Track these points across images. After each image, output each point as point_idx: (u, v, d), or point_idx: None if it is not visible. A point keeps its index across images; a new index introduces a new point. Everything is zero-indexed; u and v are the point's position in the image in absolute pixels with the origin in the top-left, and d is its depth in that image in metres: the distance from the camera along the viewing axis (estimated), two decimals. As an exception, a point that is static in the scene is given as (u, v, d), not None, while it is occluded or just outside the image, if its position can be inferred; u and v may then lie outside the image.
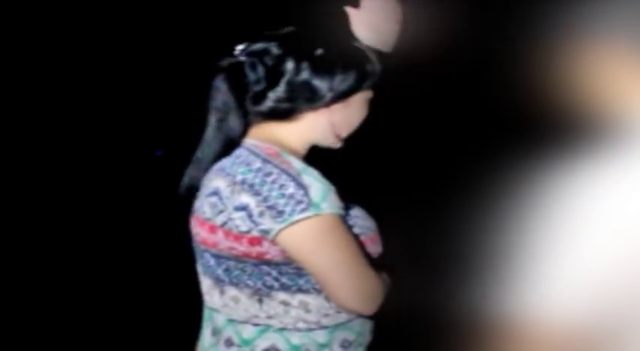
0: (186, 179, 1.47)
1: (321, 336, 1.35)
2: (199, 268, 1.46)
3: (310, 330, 1.35)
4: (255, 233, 1.29)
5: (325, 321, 1.35)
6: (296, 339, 1.34)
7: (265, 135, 1.38)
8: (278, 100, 1.36)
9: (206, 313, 1.47)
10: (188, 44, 6.03)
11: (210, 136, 1.43)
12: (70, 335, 3.55)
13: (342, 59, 1.38)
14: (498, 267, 0.87)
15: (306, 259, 1.30)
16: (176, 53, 6.19)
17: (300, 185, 1.27)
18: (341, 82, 1.37)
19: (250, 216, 1.28)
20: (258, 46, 1.38)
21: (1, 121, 6.00)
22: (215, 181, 1.36)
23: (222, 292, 1.38)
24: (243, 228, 1.30)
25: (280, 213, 1.26)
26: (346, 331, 1.38)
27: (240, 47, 1.40)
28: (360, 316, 1.38)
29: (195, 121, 4.80)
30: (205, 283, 1.43)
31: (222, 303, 1.39)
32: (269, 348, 1.35)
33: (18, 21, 6.10)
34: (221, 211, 1.33)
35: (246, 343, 1.36)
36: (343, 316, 1.37)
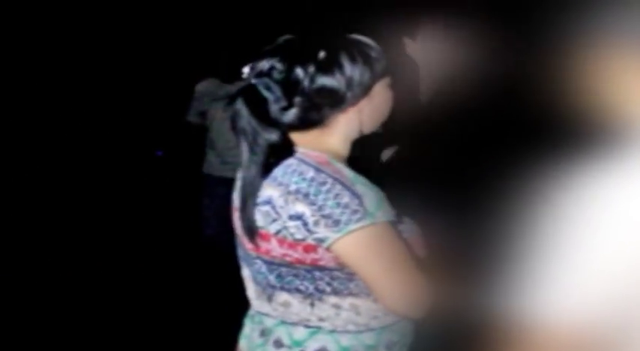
0: (240, 220, 1.41)
1: (369, 338, 1.38)
2: (246, 274, 1.47)
3: (359, 332, 1.37)
4: (310, 241, 1.30)
5: (374, 323, 1.38)
6: (345, 341, 1.37)
7: (310, 142, 1.38)
8: (304, 110, 1.35)
9: (253, 315, 1.48)
10: (188, 46, 6.03)
11: (246, 160, 1.38)
12: (68, 335, 3.57)
13: (346, 55, 1.36)
14: (507, 269, 0.88)
15: (360, 266, 1.32)
16: (176, 55, 6.20)
17: (355, 194, 1.28)
18: (354, 77, 1.36)
19: (305, 224, 1.29)
20: (263, 64, 1.36)
21: (2, 122, 5.98)
22: (267, 190, 1.35)
23: (270, 299, 1.40)
24: (299, 236, 1.31)
25: (336, 222, 1.27)
26: (391, 333, 1.41)
27: (246, 69, 1.38)
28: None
29: (195, 122, 4.74)
30: (253, 289, 1.45)
31: (271, 308, 1.41)
32: (320, 349, 1.37)
33: (19, 22, 6.08)
34: (275, 220, 1.33)
35: (297, 344, 1.38)
36: (390, 319, 1.39)
